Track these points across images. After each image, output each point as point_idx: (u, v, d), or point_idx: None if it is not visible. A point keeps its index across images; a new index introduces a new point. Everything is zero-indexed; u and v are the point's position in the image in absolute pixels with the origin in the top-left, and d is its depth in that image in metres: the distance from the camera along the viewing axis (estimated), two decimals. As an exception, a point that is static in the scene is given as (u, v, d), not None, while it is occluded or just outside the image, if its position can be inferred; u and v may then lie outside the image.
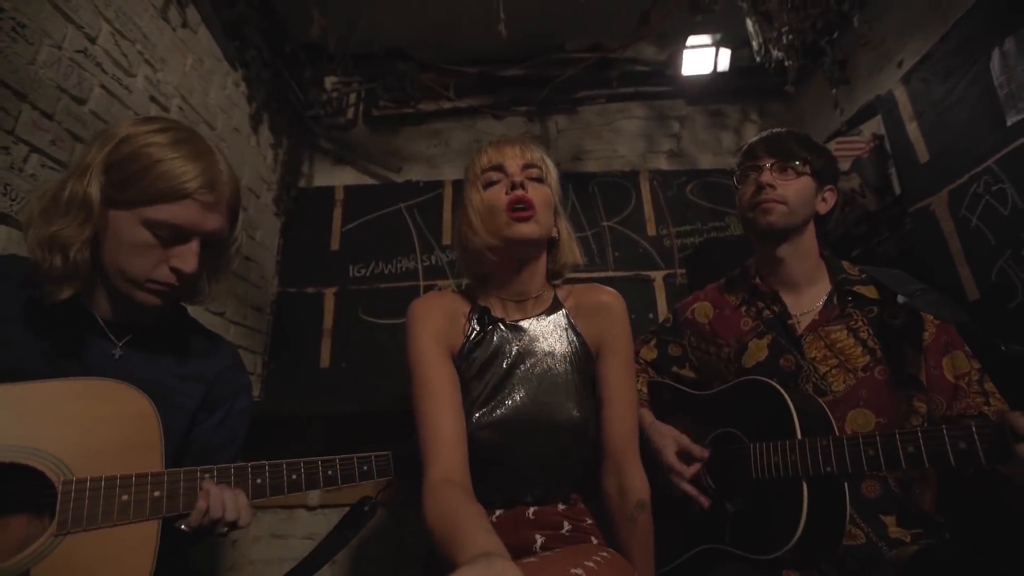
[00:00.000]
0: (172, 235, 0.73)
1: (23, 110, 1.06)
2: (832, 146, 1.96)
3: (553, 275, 0.99)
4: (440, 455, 0.75)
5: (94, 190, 0.71)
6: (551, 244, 0.96)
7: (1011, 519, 0.72)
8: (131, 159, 0.72)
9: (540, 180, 0.91)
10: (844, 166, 1.92)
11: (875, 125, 1.80)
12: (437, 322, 0.89)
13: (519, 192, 0.85)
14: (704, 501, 0.96)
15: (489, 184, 0.89)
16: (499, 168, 0.90)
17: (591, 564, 0.68)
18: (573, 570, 0.62)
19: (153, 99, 1.45)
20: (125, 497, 0.67)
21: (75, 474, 0.65)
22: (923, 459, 0.68)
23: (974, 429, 0.65)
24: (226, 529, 0.73)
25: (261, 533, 1.93)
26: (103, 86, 1.27)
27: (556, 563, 0.65)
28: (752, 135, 2.32)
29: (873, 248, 1.87)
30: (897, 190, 1.73)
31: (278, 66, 2.07)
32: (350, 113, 2.38)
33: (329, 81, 2.32)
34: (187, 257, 0.74)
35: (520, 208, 0.85)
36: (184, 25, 1.60)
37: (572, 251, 0.96)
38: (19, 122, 1.05)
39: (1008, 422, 0.62)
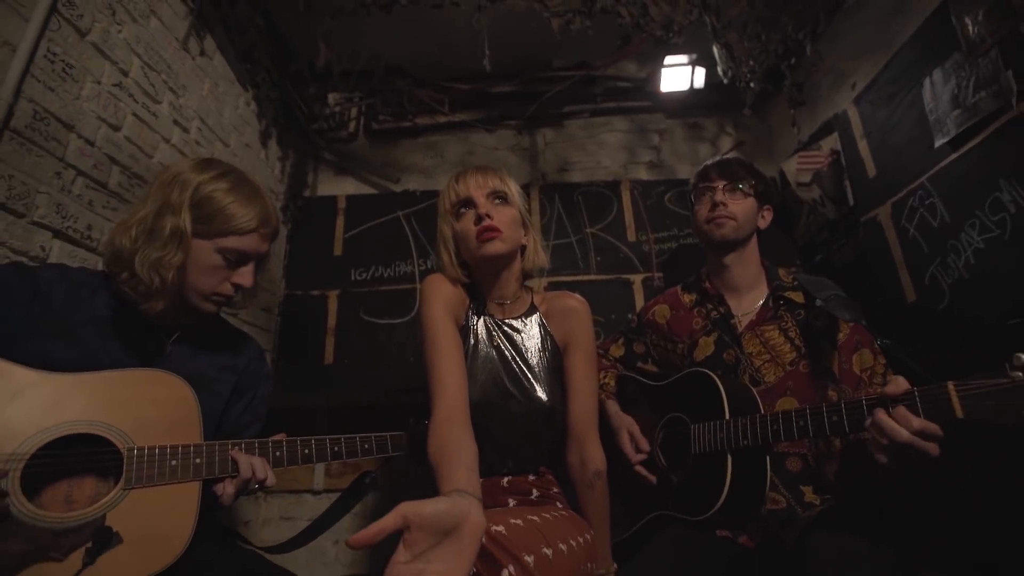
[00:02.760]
0: (237, 258, 0.94)
1: (71, 139, 1.23)
2: (795, 159, 2.13)
3: (526, 275, 1.16)
4: (444, 399, 0.89)
5: (187, 224, 0.90)
6: (523, 249, 1.13)
7: (877, 480, 0.88)
8: (207, 202, 0.91)
9: (505, 202, 1.07)
10: (806, 178, 2.08)
11: (833, 141, 1.97)
12: (447, 295, 1.05)
13: (486, 222, 1.01)
14: (652, 479, 1.13)
15: (460, 215, 1.07)
16: (467, 201, 1.06)
17: (548, 516, 0.85)
18: (530, 516, 0.79)
19: (176, 122, 1.62)
20: (174, 463, 0.84)
21: (135, 443, 0.82)
22: (809, 430, 0.85)
23: (843, 406, 0.82)
24: (256, 487, 0.91)
25: (271, 516, 2.10)
26: (134, 114, 1.44)
27: (519, 511, 0.82)
28: (728, 146, 2.50)
29: (833, 253, 2.03)
30: (851, 201, 1.89)
31: (285, 85, 2.24)
32: (351, 127, 2.54)
33: (332, 97, 2.48)
34: (247, 275, 0.96)
35: (486, 231, 1.01)
36: (202, 53, 1.77)
37: (539, 255, 1.13)
38: (68, 150, 1.22)
39: (876, 420, 0.78)
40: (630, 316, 2.24)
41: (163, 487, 0.82)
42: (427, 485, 0.81)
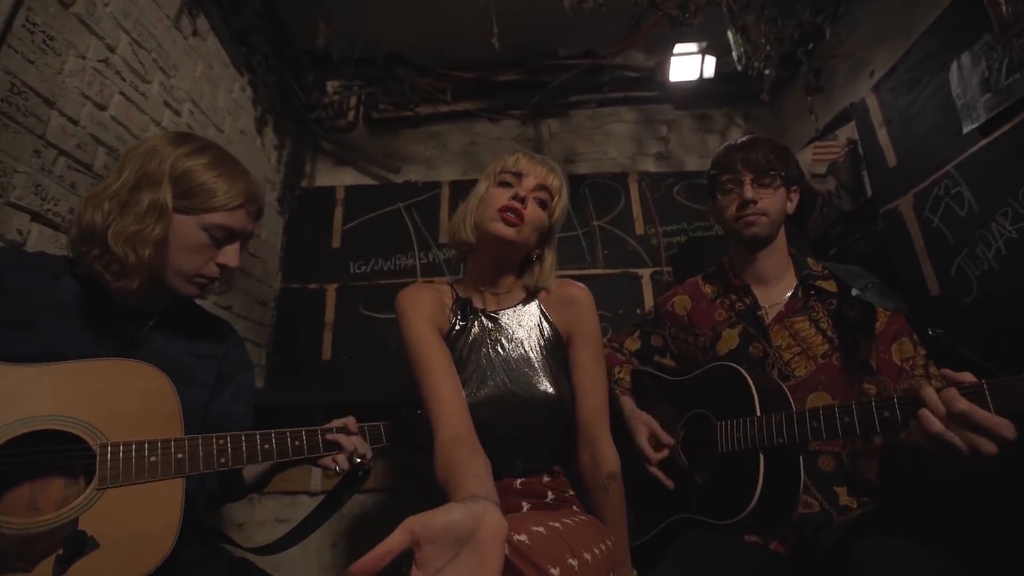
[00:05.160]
0: (223, 236, 0.88)
1: (52, 116, 1.15)
2: (810, 150, 2.07)
3: (528, 290, 1.08)
4: (445, 417, 0.83)
5: (168, 199, 0.83)
6: (532, 262, 1.06)
7: (938, 485, 0.81)
8: (189, 175, 0.84)
9: (543, 206, 1.01)
10: (821, 169, 2.02)
11: (849, 130, 1.91)
12: (426, 306, 0.98)
13: (516, 204, 0.96)
14: (669, 484, 1.05)
15: (502, 184, 1.01)
16: (517, 176, 1.00)
17: (569, 521, 0.78)
18: (551, 523, 0.72)
19: (167, 104, 1.54)
20: (153, 459, 0.76)
21: (109, 439, 0.74)
22: (856, 428, 0.78)
23: (895, 400, 0.75)
24: (359, 460, 0.95)
25: (265, 517, 2.02)
26: (122, 92, 1.36)
27: (539, 516, 0.75)
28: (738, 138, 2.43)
29: (849, 246, 1.97)
30: (869, 192, 1.83)
31: (282, 70, 2.16)
32: (351, 116, 2.46)
33: (330, 85, 2.40)
34: (233, 255, 0.89)
35: (511, 212, 0.95)
36: (195, 33, 1.69)
37: (551, 278, 1.06)
38: (49, 127, 1.14)
39: (916, 391, 0.72)
40: (639, 311, 2.19)
41: (142, 486, 0.75)
42: (426, 482, 0.77)
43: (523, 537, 0.63)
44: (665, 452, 1.08)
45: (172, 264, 0.85)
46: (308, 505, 2.03)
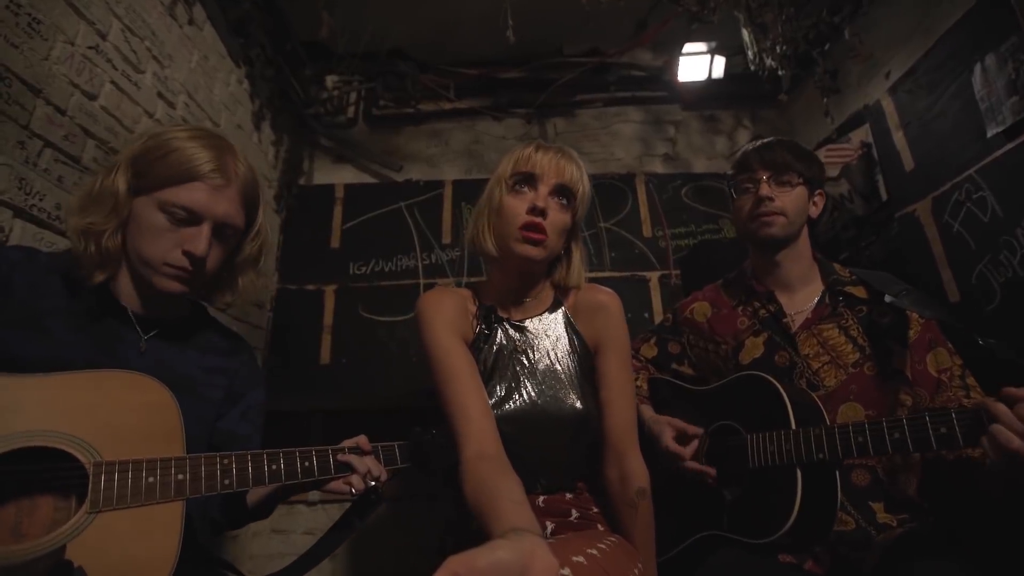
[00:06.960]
0: (185, 217, 0.78)
1: (38, 105, 1.07)
2: (822, 153, 2.03)
3: (556, 288, 1.02)
4: (471, 432, 0.78)
5: (120, 182, 0.78)
6: (559, 260, 1.00)
7: (985, 503, 0.77)
8: (152, 149, 0.78)
9: (566, 206, 0.93)
10: (833, 172, 1.99)
11: (863, 133, 1.87)
12: (449, 313, 0.93)
13: (537, 219, 0.88)
14: (711, 472, 0.99)
15: (516, 189, 0.93)
16: (532, 180, 0.92)
17: (603, 546, 0.73)
18: (588, 550, 0.67)
19: (160, 95, 1.46)
20: (151, 479, 0.70)
21: (104, 457, 0.68)
22: (908, 444, 0.73)
23: (954, 415, 0.70)
24: (373, 483, 0.87)
25: (261, 528, 1.94)
26: (113, 82, 1.28)
27: (574, 543, 0.69)
28: (745, 140, 2.40)
29: (860, 251, 1.94)
30: (884, 196, 1.80)
31: (280, 64, 2.08)
32: (351, 112, 2.40)
33: (330, 80, 2.33)
34: (198, 240, 0.78)
35: (532, 230, 0.88)
36: (191, 22, 1.61)
37: (580, 275, 1.00)
38: (34, 117, 1.06)
39: (985, 407, 0.67)
40: (646, 315, 2.15)
41: (138, 508, 0.68)
42: (430, 491, 0.71)
43: (566, 571, 0.58)
44: (695, 444, 1.02)
45: (137, 252, 0.78)
46: (306, 515, 1.96)
